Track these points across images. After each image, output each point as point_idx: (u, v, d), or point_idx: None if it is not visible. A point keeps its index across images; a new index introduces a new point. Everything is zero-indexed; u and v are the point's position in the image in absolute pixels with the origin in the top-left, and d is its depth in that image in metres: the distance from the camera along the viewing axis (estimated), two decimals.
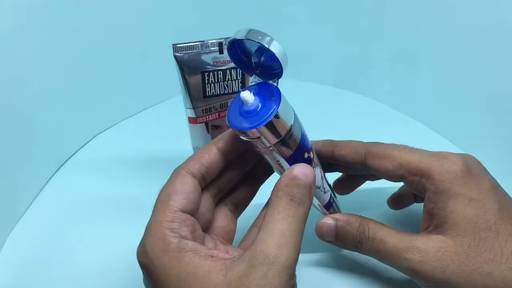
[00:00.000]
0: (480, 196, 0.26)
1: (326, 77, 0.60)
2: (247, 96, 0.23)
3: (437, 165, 0.27)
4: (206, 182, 0.26)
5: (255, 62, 0.26)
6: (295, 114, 0.25)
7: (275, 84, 0.25)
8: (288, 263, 0.21)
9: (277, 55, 0.23)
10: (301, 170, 0.24)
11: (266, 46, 0.23)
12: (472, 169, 0.27)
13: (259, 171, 0.30)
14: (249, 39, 0.23)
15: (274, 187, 0.24)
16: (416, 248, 0.26)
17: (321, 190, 0.29)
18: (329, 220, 0.29)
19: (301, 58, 0.59)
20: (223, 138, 0.26)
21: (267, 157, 0.26)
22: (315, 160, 0.28)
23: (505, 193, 0.28)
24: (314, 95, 0.59)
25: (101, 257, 0.35)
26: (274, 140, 0.24)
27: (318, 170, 0.28)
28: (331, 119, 0.53)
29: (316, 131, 0.50)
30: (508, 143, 0.41)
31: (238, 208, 0.29)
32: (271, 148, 0.24)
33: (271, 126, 0.23)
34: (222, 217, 0.28)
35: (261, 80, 0.26)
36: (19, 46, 0.37)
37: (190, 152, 0.38)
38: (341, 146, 0.30)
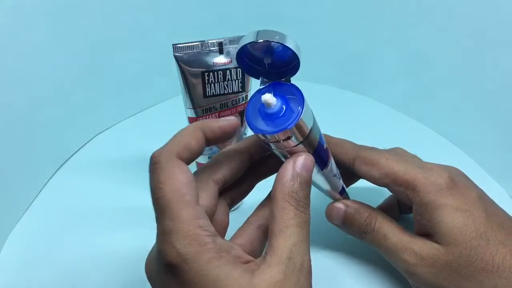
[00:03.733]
0: (466, 206, 0.26)
1: (326, 77, 0.60)
2: (269, 98, 0.23)
3: (422, 177, 0.27)
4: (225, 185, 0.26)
5: (269, 64, 0.25)
6: (310, 109, 0.25)
7: (288, 82, 0.24)
8: (310, 267, 0.23)
9: (294, 50, 0.23)
10: (302, 163, 0.24)
11: (284, 43, 0.22)
12: (457, 181, 0.27)
13: (262, 169, 0.29)
14: (267, 40, 0.22)
15: (278, 183, 0.24)
16: (413, 251, 0.26)
17: (337, 177, 0.30)
18: (339, 205, 0.30)
19: (301, 58, 0.59)
20: (211, 125, 0.25)
21: (283, 154, 0.25)
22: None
23: (492, 202, 0.28)
24: (314, 95, 0.58)
25: (101, 257, 0.35)
26: (301, 138, 0.23)
27: (332, 158, 0.28)
28: (331, 119, 0.52)
29: None
30: (508, 143, 0.41)
31: (233, 203, 0.29)
32: (296, 146, 0.24)
33: (299, 126, 0.23)
34: (221, 211, 0.27)
35: (269, 81, 0.25)
36: (19, 46, 0.37)
37: None
38: (332, 144, 0.31)
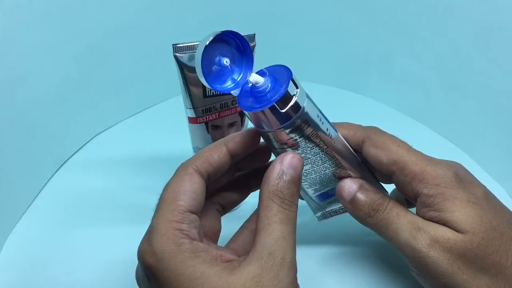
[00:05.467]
0: (476, 200, 0.25)
1: (326, 77, 0.60)
2: (255, 76, 0.24)
3: (431, 170, 0.26)
4: (210, 182, 0.26)
5: (230, 64, 0.25)
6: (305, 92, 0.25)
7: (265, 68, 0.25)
8: (292, 262, 0.22)
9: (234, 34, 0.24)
10: (288, 161, 0.24)
11: (218, 34, 0.23)
12: (463, 177, 0.27)
13: (252, 180, 0.30)
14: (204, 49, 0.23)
15: (264, 182, 0.24)
16: (428, 232, 0.25)
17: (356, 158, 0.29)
18: (353, 181, 0.28)
19: (301, 58, 0.59)
20: (234, 139, 0.26)
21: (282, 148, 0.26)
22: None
23: (497, 199, 0.27)
24: (314, 95, 0.59)
25: (101, 257, 0.35)
26: (293, 113, 0.24)
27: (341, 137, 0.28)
28: (331, 119, 0.52)
29: None
30: (508, 143, 0.41)
31: (225, 209, 0.29)
32: (289, 138, 0.24)
33: (286, 100, 0.23)
34: (210, 216, 0.28)
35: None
36: (19, 46, 0.37)
37: (190, 152, 0.38)
38: (340, 126, 0.29)
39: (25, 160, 0.40)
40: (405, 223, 0.26)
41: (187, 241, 0.22)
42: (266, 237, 0.22)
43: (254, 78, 0.24)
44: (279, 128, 0.24)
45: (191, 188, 0.24)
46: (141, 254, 0.22)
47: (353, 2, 0.53)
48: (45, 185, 0.43)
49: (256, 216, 0.24)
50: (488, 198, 0.26)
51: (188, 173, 0.24)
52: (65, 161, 0.47)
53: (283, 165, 0.24)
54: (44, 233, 0.38)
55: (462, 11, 0.43)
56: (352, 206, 0.28)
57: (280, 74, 0.24)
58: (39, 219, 0.39)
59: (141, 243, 0.23)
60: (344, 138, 0.29)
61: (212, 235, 0.27)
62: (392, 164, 0.27)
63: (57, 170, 0.45)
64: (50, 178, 0.44)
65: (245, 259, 0.22)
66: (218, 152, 0.25)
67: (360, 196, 0.28)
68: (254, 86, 0.24)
